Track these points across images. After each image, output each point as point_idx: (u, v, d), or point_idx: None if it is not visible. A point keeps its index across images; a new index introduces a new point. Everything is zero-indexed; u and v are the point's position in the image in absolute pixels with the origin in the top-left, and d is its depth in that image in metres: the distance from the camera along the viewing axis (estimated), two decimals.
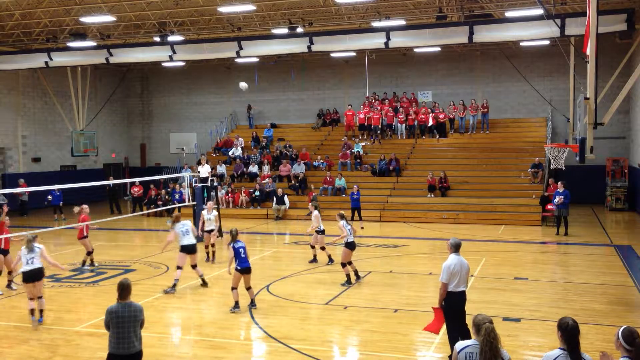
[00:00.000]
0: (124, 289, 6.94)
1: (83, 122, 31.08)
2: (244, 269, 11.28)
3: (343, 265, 13.50)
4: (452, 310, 8.39)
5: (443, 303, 8.46)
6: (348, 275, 13.43)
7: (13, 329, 10.61)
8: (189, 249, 13.26)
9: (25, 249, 10.77)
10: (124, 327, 6.77)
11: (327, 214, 25.20)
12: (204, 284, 13.39)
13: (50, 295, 13.01)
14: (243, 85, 22.12)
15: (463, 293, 8.49)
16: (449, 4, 23.13)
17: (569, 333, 5.10)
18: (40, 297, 10.83)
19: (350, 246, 13.42)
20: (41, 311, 10.85)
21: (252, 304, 11.54)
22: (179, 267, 13.24)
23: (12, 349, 9.52)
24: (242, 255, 11.28)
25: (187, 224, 13.57)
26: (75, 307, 11.97)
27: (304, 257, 17.11)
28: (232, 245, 11.32)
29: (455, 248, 8.60)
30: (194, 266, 13.46)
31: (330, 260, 15.73)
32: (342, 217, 13.72)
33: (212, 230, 16.37)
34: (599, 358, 5.16)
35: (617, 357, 5.13)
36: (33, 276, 10.70)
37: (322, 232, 15.73)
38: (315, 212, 15.74)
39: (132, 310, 6.86)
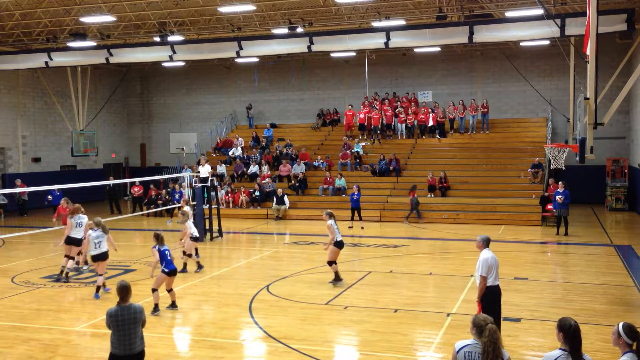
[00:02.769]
0: (126, 292, 6.94)
1: (83, 122, 31.09)
2: (172, 271, 11.26)
3: (330, 263, 13.36)
4: (491, 303, 8.55)
5: (483, 300, 8.62)
6: (336, 273, 13.32)
7: (13, 329, 10.61)
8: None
9: (98, 232, 12.41)
10: (125, 328, 6.76)
11: None
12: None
13: (50, 295, 13.03)
14: None
15: (499, 287, 8.74)
16: (449, 4, 23.13)
17: (572, 334, 5.06)
18: (101, 275, 12.60)
19: (339, 245, 13.30)
20: (98, 287, 12.58)
21: (173, 305, 11.49)
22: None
23: (12, 349, 9.52)
24: (169, 258, 11.26)
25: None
26: (75, 307, 11.97)
27: (304, 257, 17.14)
28: (157, 248, 11.27)
29: (487, 243, 8.90)
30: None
31: (199, 267, 15.06)
32: (331, 216, 13.35)
33: (197, 238, 16.53)
34: None
35: (616, 355, 5.10)
36: (102, 257, 12.58)
37: (195, 239, 15.08)
38: (189, 222, 15.09)
39: (132, 312, 6.85)
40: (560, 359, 5.05)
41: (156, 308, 11.12)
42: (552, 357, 5.08)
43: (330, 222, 13.24)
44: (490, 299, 8.56)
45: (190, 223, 14.89)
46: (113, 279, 13.95)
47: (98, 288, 12.57)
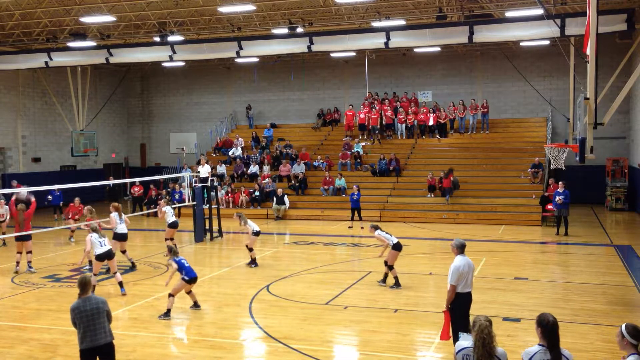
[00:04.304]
0: (85, 284, 7.00)
1: (83, 122, 31.08)
2: (192, 279, 11.24)
3: (388, 267, 13.24)
4: (459, 311, 8.30)
5: (450, 305, 8.38)
6: (396, 278, 13.17)
7: (13, 329, 10.61)
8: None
9: (97, 234, 12.79)
10: (89, 320, 6.82)
11: (328, 214, 25.33)
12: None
13: (50, 295, 13.04)
14: None
15: (469, 294, 8.41)
16: (449, 4, 23.13)
17: (549, 329, 5.11)
18: (116, 273, 12.91)
19: (397, 247, 13.20)
20: (120, 283, 12.84)
21: (196, 305, 11.55)
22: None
23: (12, 349, 9.52)
24: (187, 266, 11.27)
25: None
26: None
27: (304, 257, 17.14)
28: (173, 259, 11.30)
29: (461, 249, 8.47)
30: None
31: (253, 262, 15.84)
32: (376, 227, 13.59)
33: (174, 223, 17.58)
34: None
35: (616, 354, 5.09)
36: (108, 256, 12.77)
37: (257, 233, 15.92)
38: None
39: (93, 303, 6.89)
40: (538, 355, 5.09)
41: (167, 313, 11.05)
42: (531, 353, 5.14)
43: (377, 232, 13.38)
44: (459, 306, 8.26)
45: (250, 222, 15.85)
46: (113, 278, 13.94)
47: (121, 284, 12.91)
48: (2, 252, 18.59)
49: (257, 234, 15.88)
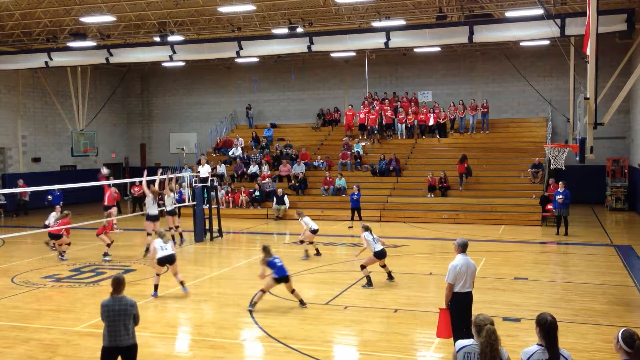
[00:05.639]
0: (118, 284, 7.12)
1: (83, 122, 31.08)
2: (281, 277, 11.39)
3: (362, 267, 13.31)
4: (457, 311, 8.25)
5: (450, 304, 8.33)
6: (368, 277, 13.19)
7: (13, 329, 10.60)
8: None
9: (161, 240, 12.93)
10: (115, 319, 6.91)
11: (328, 214, 25.31)
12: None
13: (50, 295, 13.04)
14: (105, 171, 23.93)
15: (469, 294, 8.36)
16: (449, 4, 23.13)
17: (547, 329, 5.14)
18: (177, 274, 12.94)
19: (378, 255, 13.16)
20: (182, 282, 12.92)
21: (302, 303, 11.61)
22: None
23: (12, 349, 9.51)
24: (279, 265, 11.46)
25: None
26: (75, 307, 11.96)
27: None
28: (266, 259, 11.55)
29: (463, 248, 8.43)
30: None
31: (317, 253, 16.92)
32: (366, 229, 13.51)
33: (172, 212, 18.74)
34: None
35: (616, 355, 5.10)
36: (169, 260, 12.72)
37: (314, 231, 16.60)
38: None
39: (123, 304, 6.98)
40: (537, 354, 5.13)
41: (252, 305, 11.33)
42: (529, 352, 5.18)
43: (365, 234, 13.32)
44: (458, 306, 8.22)
45: (306, 219, 16.61)
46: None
47: (182, 283, 13.01)
48: (4, 253, 18.60)
49: (314, 231, 16.54)
